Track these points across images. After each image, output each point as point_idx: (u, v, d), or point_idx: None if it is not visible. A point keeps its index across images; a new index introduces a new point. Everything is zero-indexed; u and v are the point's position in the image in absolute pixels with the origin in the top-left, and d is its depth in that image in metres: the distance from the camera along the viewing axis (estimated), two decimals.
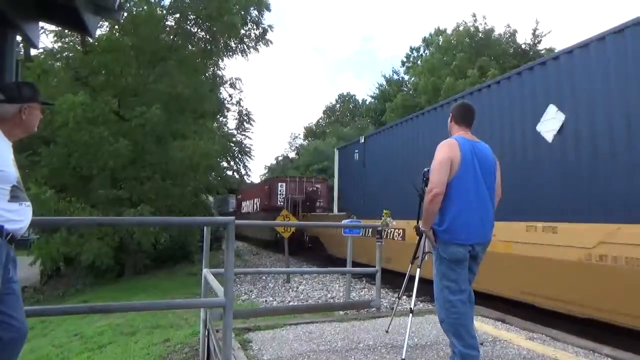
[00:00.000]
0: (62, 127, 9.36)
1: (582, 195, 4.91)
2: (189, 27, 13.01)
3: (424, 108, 8.96)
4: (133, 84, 11.47)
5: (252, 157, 17.45)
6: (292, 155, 48.23)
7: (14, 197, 1.86)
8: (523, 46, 25.22)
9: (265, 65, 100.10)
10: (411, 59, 34.61)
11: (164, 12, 12.60)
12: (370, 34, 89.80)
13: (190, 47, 13.29)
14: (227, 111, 15.08)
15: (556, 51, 7.53)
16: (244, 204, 22.22)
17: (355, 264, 5.72)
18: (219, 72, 15.07)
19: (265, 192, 16.59)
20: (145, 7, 11.55)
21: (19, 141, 2.12)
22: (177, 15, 12.67)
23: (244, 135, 15.60)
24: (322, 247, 12.56)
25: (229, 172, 15.51)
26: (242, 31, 13.33)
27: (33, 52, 10.81)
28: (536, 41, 24.67)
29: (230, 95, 14.93)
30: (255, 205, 19.09)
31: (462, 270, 2.61)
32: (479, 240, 2.62)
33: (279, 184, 16.28)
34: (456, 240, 2.57)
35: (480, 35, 25.81)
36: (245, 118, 15.03)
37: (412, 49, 35.11)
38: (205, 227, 4.24)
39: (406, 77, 34.61)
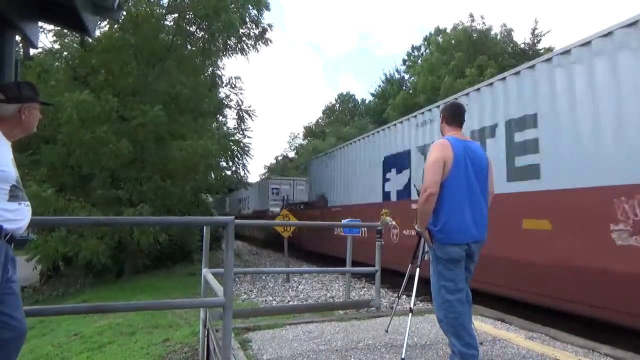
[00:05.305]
0: (66, 123, 9.30)
1: None
2: (187, 27, 12.97)
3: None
4: (132, 83, 11.44)
5: (251, 156, 17.29)
6: (291, 154, 48.27)
7: (13, 197, 1.86)
8: (522, 45, 25.25)
9: (264, 64, 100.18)
10: (412, 58, 34.64)
11: (163, 11, 12.57)
12: (367, 32, 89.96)
13: (189, 46, 13.25)
14: (228, 108, 14.98)
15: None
16: None
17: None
18: (218, 71, 15.01)
19: None
20: (144, 6, 11.52)
21: (19, 140, 2.12)
22: (176, 15, 12.64)
23: (243, 134, 15.46)
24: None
25: (228, 172, 15.40)
26: (242, 30, 13.29)
27: (32, 51, 10.79)
28: (535, 40, 24.70)
29: (228, 96, 14.84)
30: None
31: (459, 269, 2.63)
32: (474, 239, 2.64)
33: None
34: (451, 240, 2.59)
35: (477, 34, 25.82)
36: (245, 115, 14.89)
37: (413, 48, 35.26)
38: (204, 227, 4.24)
39: (406, 76, 34.66)
